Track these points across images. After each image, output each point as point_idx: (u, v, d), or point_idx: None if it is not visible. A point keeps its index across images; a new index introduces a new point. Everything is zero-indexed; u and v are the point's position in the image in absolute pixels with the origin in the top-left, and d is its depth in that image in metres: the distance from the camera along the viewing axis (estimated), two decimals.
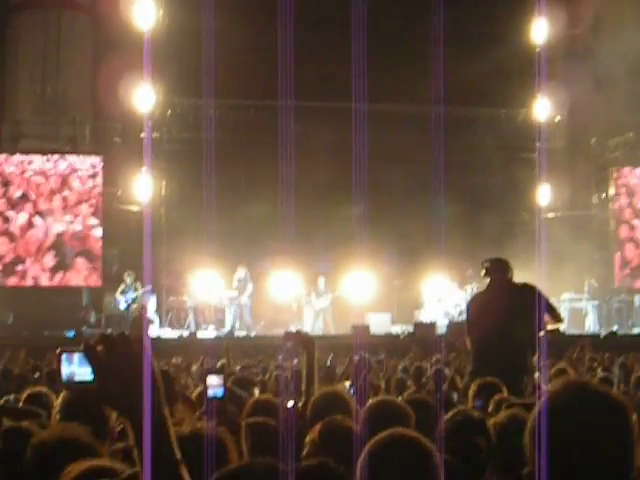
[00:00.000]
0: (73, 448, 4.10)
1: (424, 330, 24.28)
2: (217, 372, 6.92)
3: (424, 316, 26.53)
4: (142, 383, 2.51)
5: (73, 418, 4.83)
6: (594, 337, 25.55)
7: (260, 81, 28.11)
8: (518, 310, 10.10)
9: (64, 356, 2.79)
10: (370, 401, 5.41)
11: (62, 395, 5.41)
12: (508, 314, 10.24)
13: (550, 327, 10.60)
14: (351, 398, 6.11)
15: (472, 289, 25.02)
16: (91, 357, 2.61)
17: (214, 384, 6.36)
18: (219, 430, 4.26)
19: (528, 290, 10.49)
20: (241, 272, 26.52)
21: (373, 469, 2.72)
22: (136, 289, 25.42)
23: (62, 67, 28.96)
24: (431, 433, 4.47)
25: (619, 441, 2.69)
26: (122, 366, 2.51)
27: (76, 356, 2.85)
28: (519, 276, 11.28)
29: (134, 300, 25.27)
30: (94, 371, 2.65)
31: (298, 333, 7.80)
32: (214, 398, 6.30)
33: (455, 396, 9.61)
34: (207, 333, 25.05)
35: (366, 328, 25.14)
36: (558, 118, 29.95)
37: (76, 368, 2.89)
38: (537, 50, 28.23)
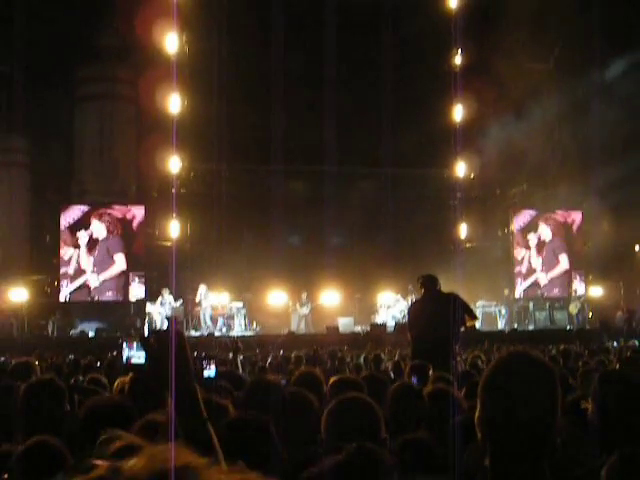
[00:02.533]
0: (118, 412, 4.08)
1: (377, 329, 24.31)
2: (209, 358, 6.91)
3: (378, 319, 26.47)
4: (179, 365, 2.52)
5: (135, 394, 4.82)
6: (501, 333, 25.59)
7: (259, 151, 28.28)
8: (444, 312, 10.07)
9: (125, 344, 2.81)
10: (335, 378, 5.45)
11: (129, 376, 5.37)
12: (437, 316, 10.22)
13: (468, 324, 10.65)
14: (322, 375, 6.12)
15: (412, 299, 24.99)
16: (145, 345, 2.62)
17: (207, 368, 6.35)
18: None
19: (452, 297, 10.48)
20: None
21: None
22: (170, 302, 25.42)
23: (115, 142, 28.96)
24: (380, 400, 4.49)
25: (548, 395, 2.63)
26: (166, 352, 2.51)
27: (135, 345, 2.87)
28: (446, 287, 11.29)
29: (170, 309, 25.31)
30: (147, 355, 2.66)
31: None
32: (209, 378, 6.29)
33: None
34: (221, 333, 24.96)
35: (336, 328, 25.15)
36: (472, 175, 30.01)
37: (134, 353, 2.91)
38: (457, 126, 28.38)
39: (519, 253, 29.54)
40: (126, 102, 29.11)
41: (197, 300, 25.90)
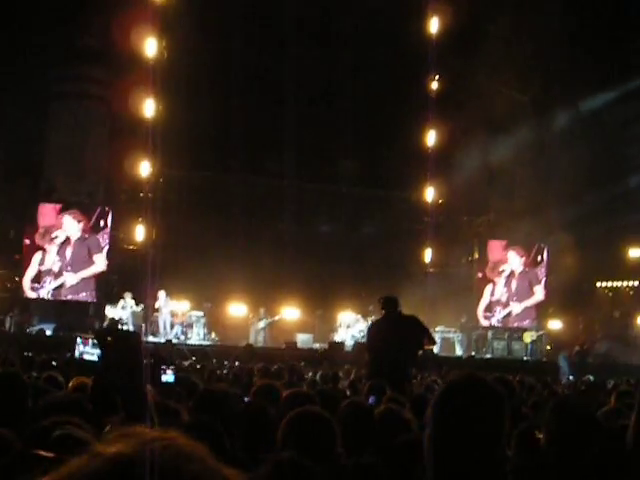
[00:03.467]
0: (74, 409, 4.07)
1: (336, 347, 24.30)
2: (168, 364, 6.93)
3: (337, 337, 26.51)
4: (134, 363, 2.54)
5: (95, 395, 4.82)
6: (458, 359, 25.74)
7: (228, 161, 28.39)
8: (403, 335, 10.15)
9: (79, 340, 2.83)
10: (289, 391, 5.51)
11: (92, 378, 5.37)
12: (396, 337, 10.29)
13: (427, 347, 10.72)
14: (281, 386, 6.17)
15: (372, 319, 25.07)
16: (101, 343, 2.65)
17: (167, 373, 6.37)
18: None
19: (412, 320, 10.57)
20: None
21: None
22: (131, 306, 25.38)
23: (86, 141, 28.82)
24: (333, 413, 4.53)
25: (496, 417, 2.67)
26: (122, 352, 2.54)
27: (90, 342, 2.90)
28: (408, 310, 11.36)
29: (131, 313, 25.29)
30: (102, 352, 2.68)
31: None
32: (167, 383, 6.31)
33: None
34: (178, 340, 24.88)
35: (294, 344, 25.20)
36: (440, 201, 30.16)
37: (88, 349, 2.94)
38: (428, 151, 28.58)
39: (488, 282, 29.60)
40: (100, 103, 28.97)
41: (156, 306, 25.85)
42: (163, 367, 6.56)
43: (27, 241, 26.37)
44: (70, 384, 6.00)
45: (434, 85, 28.78)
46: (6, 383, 4.58)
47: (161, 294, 25.84)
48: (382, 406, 5.80)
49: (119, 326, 24.32)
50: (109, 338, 2.56)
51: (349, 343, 25.22)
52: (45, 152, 29.09)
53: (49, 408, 4.13)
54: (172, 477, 1.09)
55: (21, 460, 2.92)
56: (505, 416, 2.70)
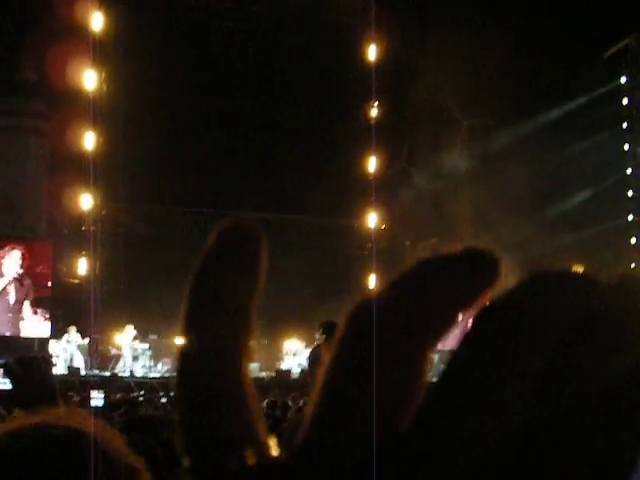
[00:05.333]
0: None
1: (283, 375, 24.63)
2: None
3: (283, 365, 26.71)
4: (45, 391, 2.64)
5: None
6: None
7: (172, 193, 28.51)
8: None
9: None
10: None
11: None
12: None
13: None
14: None
15: (314, 345, 25.28)
16: (10, 372, 2.77)
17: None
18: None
19: None
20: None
21: None
22: (76, 340, 25.37)
23: (25, 176, 28.79)
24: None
25: None
26: (30, 378, 2.65)
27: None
28: None
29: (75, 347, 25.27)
30: (12, 382, 2.79)
31: None
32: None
33: None
34: (124, 373, 24.88)
35: None
36: (383, 226, 30.49)
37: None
38: (370, 177, 28.98)
39: None
40: (39, 136, 29.00)
41: (120, 341, 25.83)
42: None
43: None
44: None
45: (374, 112, 29.21)
46: None
47: (128, 328, 25.90)
48: None
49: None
50: (15, 366, 2.70)
51: (296, 370, 25.41)
52: None
53: None
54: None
55: None
56: None
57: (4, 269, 26.42)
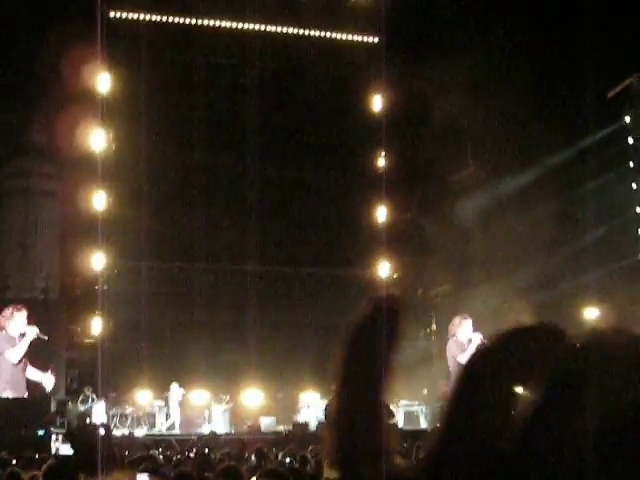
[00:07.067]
0: None
1: (300, 428, 24.71)
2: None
3: (300, 418, 26.84)
4: (100, 456, 2.98)
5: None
6: (424, 432, 26.02)
7: (182, 249, 28.86)
8: None
9: (53, 437, 3.32)
10: (262, 470, 5.92)
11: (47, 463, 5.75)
12: None
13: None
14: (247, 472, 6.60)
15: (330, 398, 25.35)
16: (71, 440, 3.12)
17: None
18: None
19: None
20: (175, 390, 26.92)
21: None
22: (92, 399, 25.53)
23: (38, 237, 29.18)
24: None
25: None
26: (90, 447, 2.99)
27: (60, 438, 3.43)
28: None
29: (91, 407, 25.41)
30: (74, 448, 3.16)
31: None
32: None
33: None
34: (141, 432, 25.06)
35: (258, 427, 25.51)
36: (395, 275, 30.71)
37: (60, 445, 3.46)
38: (380, 227, 29.27)
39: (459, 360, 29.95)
40: (51, 198, 29.44)
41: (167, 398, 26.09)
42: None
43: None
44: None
45: (382, 161, 29.56)
46: None
47: (174, 386, 26.18)
48: None
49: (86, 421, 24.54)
50: (77, 433, 3.01)
51: (313, 423, 25.57)
52: None
53: None
54: None
55: None
56: None
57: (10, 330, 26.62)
